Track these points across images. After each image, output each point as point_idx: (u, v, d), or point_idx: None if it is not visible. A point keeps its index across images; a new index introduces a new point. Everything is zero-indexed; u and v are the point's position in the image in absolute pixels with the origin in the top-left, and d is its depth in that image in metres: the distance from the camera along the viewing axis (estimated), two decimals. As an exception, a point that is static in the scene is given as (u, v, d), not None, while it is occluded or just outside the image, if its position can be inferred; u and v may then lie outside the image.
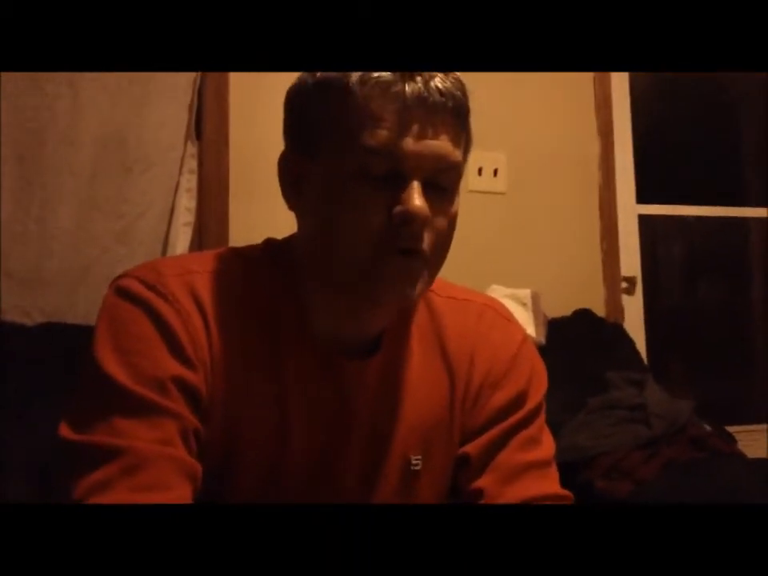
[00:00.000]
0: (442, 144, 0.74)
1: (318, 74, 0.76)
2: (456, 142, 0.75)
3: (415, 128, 0.72)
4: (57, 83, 1.94)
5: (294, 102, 0.79)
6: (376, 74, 0.72)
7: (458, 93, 0.74)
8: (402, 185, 0.73)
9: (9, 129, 1.89)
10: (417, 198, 0.72)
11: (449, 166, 0.75)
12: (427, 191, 0.73)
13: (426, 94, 0.72)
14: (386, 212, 0.72)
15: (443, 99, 0.73)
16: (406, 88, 0.72)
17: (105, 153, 1.99)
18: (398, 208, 0.72)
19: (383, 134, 0.72)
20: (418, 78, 0.72)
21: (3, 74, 1.86)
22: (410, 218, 0.72)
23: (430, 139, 0.73)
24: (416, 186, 0.72)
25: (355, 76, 0.72)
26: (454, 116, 0.75)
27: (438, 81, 0.73)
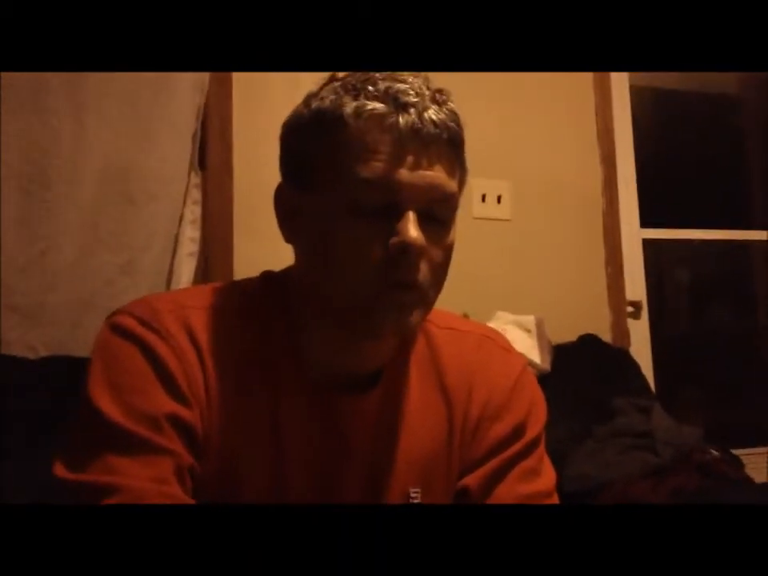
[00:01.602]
0: (436, 175, 0.74)
1: (313, 106, 0.77)
2: (451, 173, 0.76)
3: (410, 159, 0.72)
4: (61, 116, 1.96)
5: (290, 135, 0.80)
6: (370, 106, 0.72)
7: (453, 124, 0.75)
8: (397, 216, 0.73)
9: (13, 162, 1.90)
10: (412, 229, 0.72)
11: (444, 197, 0.75)
12: (422, 222, 0.73)
13: (420, 125, 0.72)
14: (381, 244, 0.72)
15: (438, 130, 0.73)
16: (400, 120, 0.72)
17: (108, 185, 1.99)
18: (394, 239, 0.72)
19: (378, 165, 0.72)
20: (412, 110, 0.72)
21: (8, 107, 1.88)
22: (406, 249, 0.72)
23: (425, 170, 0.73)
24: (411, 216, 0.72)
25: (349, 108, 0.73)
26: (449, 147, 0.75)
27: (432, 112, 0.73)
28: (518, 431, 0.86)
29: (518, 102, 2.43)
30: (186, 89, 2.08)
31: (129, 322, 0.76)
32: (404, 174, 0.72)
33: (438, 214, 0.75)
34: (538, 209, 2.42)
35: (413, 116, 0.72)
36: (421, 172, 0.73)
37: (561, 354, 2.18)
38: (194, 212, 2.10)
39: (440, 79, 0.78)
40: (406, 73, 0.76)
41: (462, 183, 0.79)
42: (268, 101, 2.15)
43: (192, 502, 0.72)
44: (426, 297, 0.76)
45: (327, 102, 0.75)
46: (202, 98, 2.10)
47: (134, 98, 2.02)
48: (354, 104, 0.73)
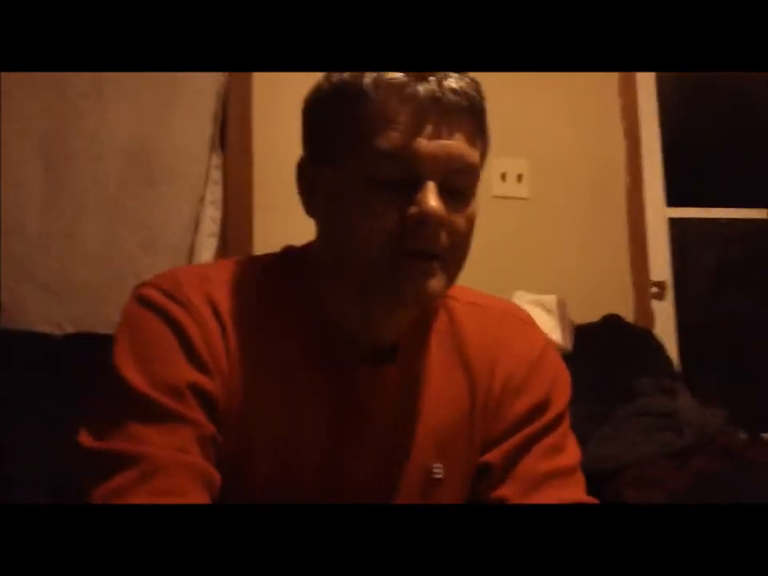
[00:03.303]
0: (457, 144, 0.73)
1: (334, 79, 0.76)
2: (472, 142, 0.74)
3: (429, 128, 0.72)
4: (83, 94, 1.97)
5: (311, 108, 0.79)
6: (389, 76, 0.72)
7: (473, 92, 0.74)
8: (417, 187, 0.72)
9: (37, 140, 1.91)
10: (432, 199, 0.71)
11: (465, 167, 0.74)
12: (443, 193, 0.73)
13: (439, 93, 0.71)
14: (399, 214, 0.72)
15: (458, 98, 0.72)
16: (420, 89, 0.71)
17: (130, 164, 2.01)
18: (413, 209, 0.71)
19: (396, 136, 0.71)
20: (432, 79, 0.71)
21: (30, 86, 1.89)
22: (425, 219, 0.71)
23: (445, 139, 0.72)
24: (431, 186, 0.72)
25: (369, 78, 0.72)
26: (470, 116, 0.74)
27: (452, 81, 0.72)
28: (542, 407, 0.85)
29: (538, 79, 2.39)
30: (206, 69, 2.07)
31: (154, 294, 0.77)
32: (423, 143, 0.71)
33: (459, 184, 0.74)
34: (559, 187, 2.39)
35: (432, 85, 0.71)
36: (441, 141, 0.72)
37: (583, 334, 2.16)
38: (214, 192, 2.10)
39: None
40: None
41: (483, 154, 0.78)
42: (288, 81, 2.13)
43: (213, 470, 0.72)
44: (447, 266, 0.75)
45: (347, 75, 0.74)
46: (222, 79, 2.10)
47: (155, 78, 2.03)
48: (374, 74, 0.72)
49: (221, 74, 2.09)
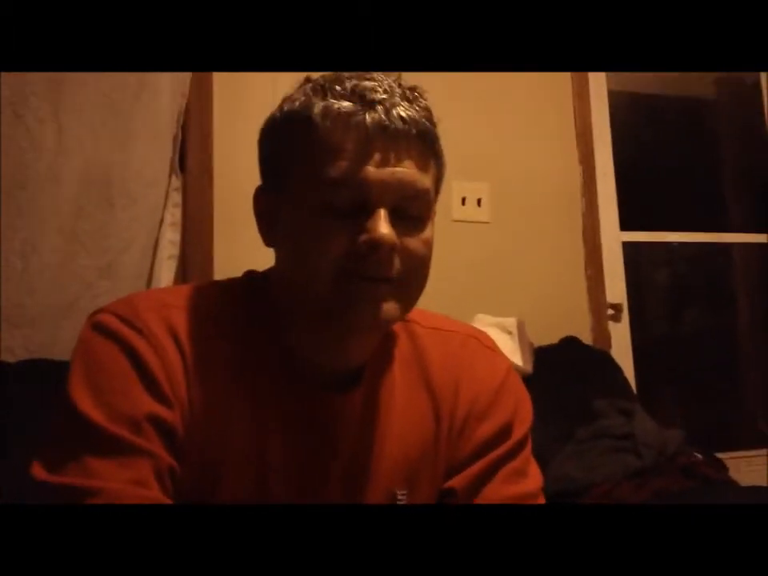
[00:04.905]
0: (406, 171, 0.73)
1: (286, 108, 0.77)
2: (423, 168, 0.75)
3: (377, 156, 0.72)
4: (40, 118, 1.94)
5: (264, 139, 0.80)
6: (337, 106, 0.72)
7: (423, 120, 0.74)
8: (368, 214, 0.72)
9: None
10: (382, 226, 0.72)
11: (415, 193, 0.75)
12: (395, 220, 0.73)
13: (387, 122, 0.72)
14: (350, 242, 0.72)
15: (406, 126, 0.73)
16: (367, 117, 0.72)
17: (88, 188, 1.97)
18: (363, 236, 0.72)
19: (344, 165, 0.72)
20: (380, 107, 0.72)
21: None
22: (376, 246, 0.71)
23: (393, 166, 0.73)
24: (382, 213, 0.72)
25: (317, 108, 0.73)
26: (419, 142, 0.74)
27: (402, 109, 0.73)
28: (505, 432, 0.85)
29: (497, 105, 2.44)
30: (166, 92, 2.06)
31: (110, 321, 0.75)
32: (371, 171, 0.72)
33: (411, 210, 0.75)
34: (518, 211, 2.42)
35: (380, 113, 0.72)
36: (389, 169, 0.72)
37: (542, 355, 2.18)
38: (174, 215, 2.08)
39: (419, 83, 0.78)
40: (375, 72, 0.76)
41: (438, 178, 0.79)
42: (248, 104, 2.14)
43: (170, 503, 0.71)
44: (403, 290, 0.75)
45: (297, 104, 0.75)
46: (182, 102, 2.09)
47: (114, 101, 2.01)
48: (322, 104, 0.73)
49: (180, 94, 2.08)
